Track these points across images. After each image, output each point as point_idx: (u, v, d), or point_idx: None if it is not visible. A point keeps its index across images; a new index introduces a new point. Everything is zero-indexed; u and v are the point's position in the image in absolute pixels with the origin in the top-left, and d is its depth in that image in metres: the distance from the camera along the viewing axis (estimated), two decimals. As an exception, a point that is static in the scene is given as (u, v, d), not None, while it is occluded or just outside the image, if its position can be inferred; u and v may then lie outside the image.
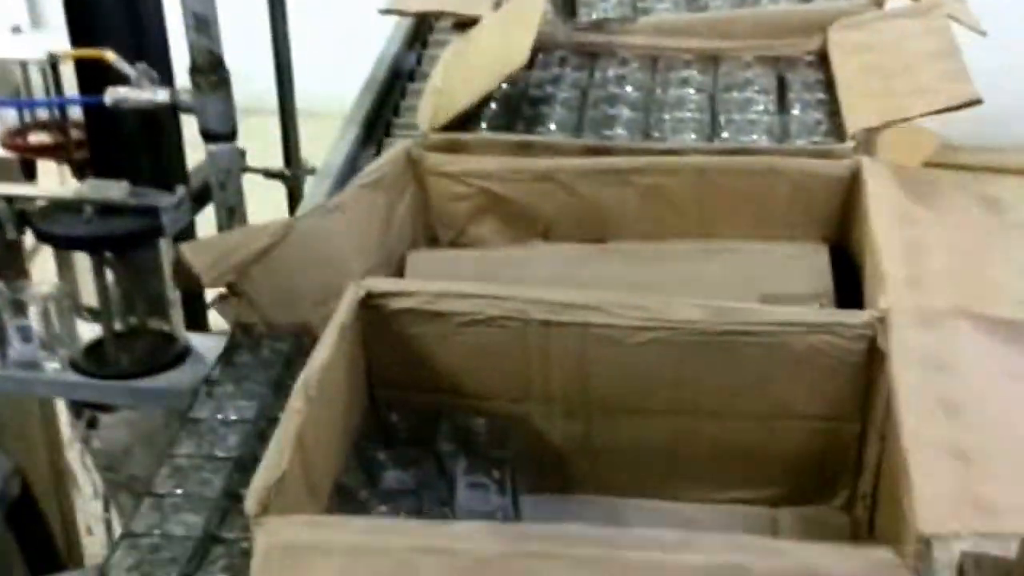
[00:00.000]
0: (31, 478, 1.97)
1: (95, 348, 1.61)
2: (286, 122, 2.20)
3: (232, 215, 1.65)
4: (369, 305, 1.06)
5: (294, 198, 2.31)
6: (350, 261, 1.25)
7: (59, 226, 1.49)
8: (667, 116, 1.39)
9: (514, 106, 1.42)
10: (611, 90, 1.44)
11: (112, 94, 1.56)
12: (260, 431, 1.12)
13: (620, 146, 1.29)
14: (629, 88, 1.44)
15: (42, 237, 1.50)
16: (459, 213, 1.33)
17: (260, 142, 1.60)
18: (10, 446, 1.93)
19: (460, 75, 1.38)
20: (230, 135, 1.56)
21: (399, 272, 1.32)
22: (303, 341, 1.24)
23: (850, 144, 1.27)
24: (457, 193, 1.31)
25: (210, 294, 1.35)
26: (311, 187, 1.75)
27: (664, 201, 1.29)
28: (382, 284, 1.06)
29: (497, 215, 1.33)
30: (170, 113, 1.59)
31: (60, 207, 1.53)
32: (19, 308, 1.57)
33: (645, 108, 1.41)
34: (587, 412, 1.10)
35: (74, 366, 1.58)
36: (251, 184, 2.15)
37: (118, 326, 1.61)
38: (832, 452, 1.10)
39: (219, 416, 1.14)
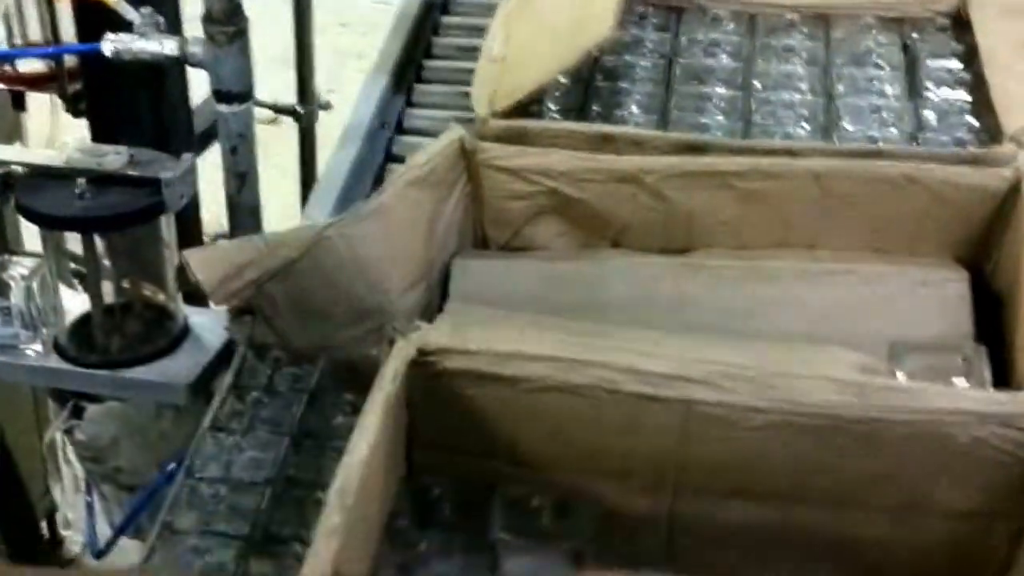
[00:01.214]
0: (18, 456, 1.79)
1: (83, 326, 1.40)
2: (301, 52, 1.96)
3: (243, 181, 1.43)
4: (419, 362, 0.84)
5: (306, 137, 2.09)
6: (387, 274, 1.03)
7: (45, 202, 1.26)
8: (771, 97, 1.15)
9: (586, 78, 1.18)
10: (702, 60, 1.19)
11: (112, 42, 1.33)
12: (276, 496, 0.92)
13: (720, 144, 1.05)
14: (724, 58, 1.20)
15: (26, 214, 1.28)
16: (517, 213, 1.10)
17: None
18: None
19: (526, 44, 1.14)
20: (246, 95, 1.33)
21: (443, 281, 1.10)
22: (328, 369, 1.04)
23: (1010, 148, 1.02)
24: (516, 191, 1.08)
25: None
26: (338, 146, 1.53)
27: (767, 208, 1.06)
28: (436, 338, 0.84)
29: (562, 216, 1.10)
30: (176, 66, 1.36)
31: (48, 175, 1.31)
32: (4, 288, 1.37)
33: (744, 86, 1.17)
34: (676, 491, 0.89)
35: (58, 349, 1.38)
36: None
37: (109, 299, 1.40)
38: (974, 549, 0.88)
39: (226, 476, 0.93)
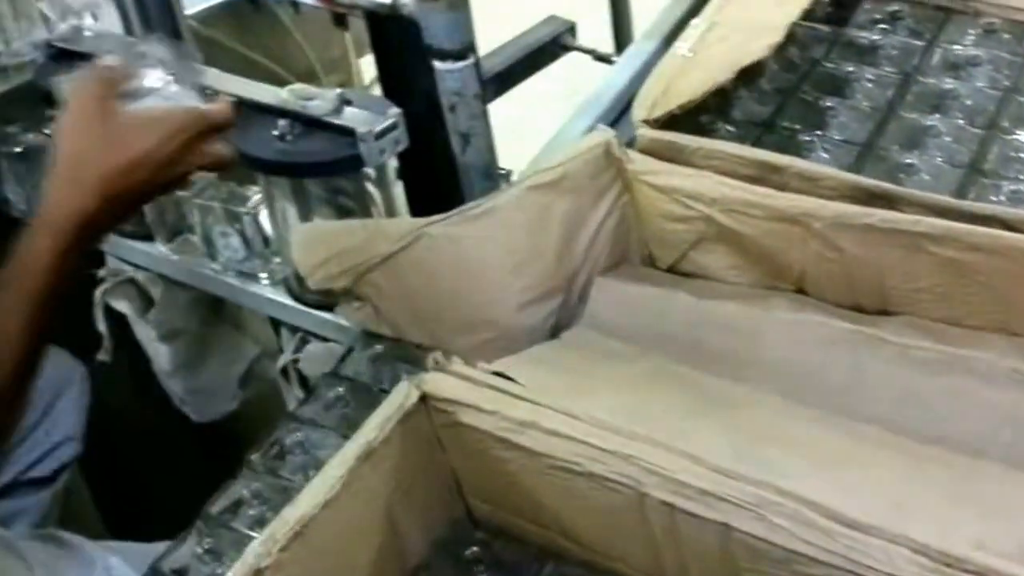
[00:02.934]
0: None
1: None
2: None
3: (467, 141, 1.35)
4: (435, 407, 0.74)
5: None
6: (502, 283, 0.93)
7: (244, 139, 1.26)
8: (1021, 136, 0.90)
9: (791, 84, 0.99)
10: (945, 81, 0.96)
11: (340, -10, 1.29)
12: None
13: (910, 196, 0.84)
14: (979, 82, 0.96)
15: (230, 147, 1.28)
16: (677, 235, 0.95)
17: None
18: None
19: (719, 41, 0.97)
20: (460, 53, 1.24)
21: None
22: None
23: None
24: (672, 213, 0.93)
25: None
26: (575, 114, 1.42)
27: (976, 284, 0.84)
28: (446, 385, 0.73)
29: (731, 248, 0.93)
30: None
31: (263, 112, 1.30)
32: (234, 217, 1.40)
33: (989, 123, 0.93)
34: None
35: (286, 283, 1.39)
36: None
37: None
38: None
39: (279, 475, 0.88)
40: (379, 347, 0.97)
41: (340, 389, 0.94)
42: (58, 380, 1.39)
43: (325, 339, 1.49)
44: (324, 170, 1.26)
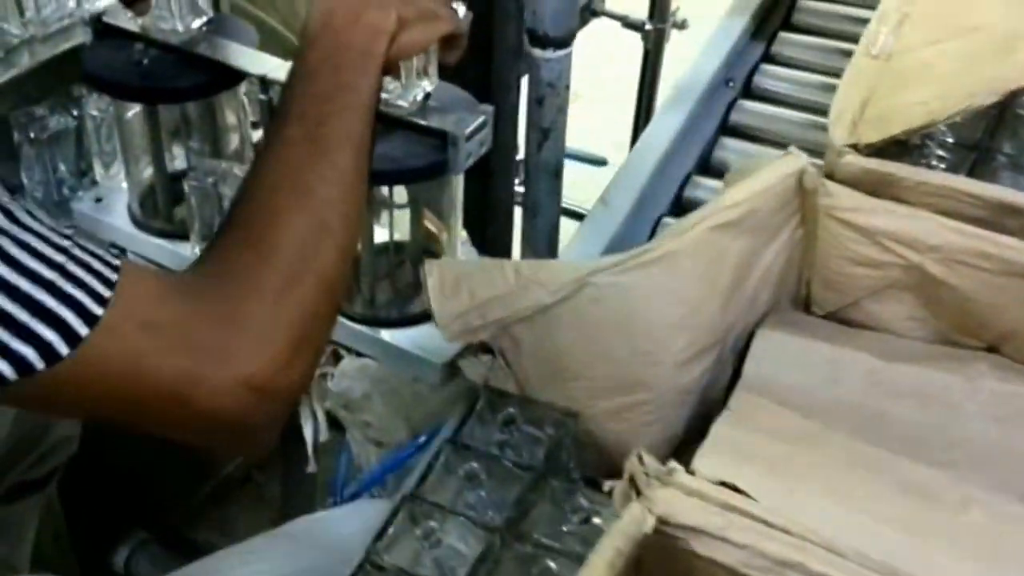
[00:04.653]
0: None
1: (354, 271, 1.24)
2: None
3: (546, 136, 1.20)
4: (661, 531, 0.59)
5: (652, 57, 1.82)
6: (664, 339, 0.78)
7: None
8: None
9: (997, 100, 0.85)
10: None
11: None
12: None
13: None
14: None
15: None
16: (859, 281, 0.81)
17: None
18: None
19: (929, 40, 0.81)
20: (564, 41, 1.09)
21: (744, 348, 0.84)
22: (570, 443, 0.81)
23: None
24: (864, 256, 0.79)
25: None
26: (664, 109, 1.27)
27: None
28: (684, 508, 0.58)
29: (921, 299, 0.79)
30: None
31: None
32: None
33: None
34: None
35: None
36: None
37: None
38: None
39: (409, 571, 0.73)
40: (511, 409, 0.81)
41: (473, 464, 0.78)
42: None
43: (359, 354, 1.34)
44: (404, 178, 1.08)
